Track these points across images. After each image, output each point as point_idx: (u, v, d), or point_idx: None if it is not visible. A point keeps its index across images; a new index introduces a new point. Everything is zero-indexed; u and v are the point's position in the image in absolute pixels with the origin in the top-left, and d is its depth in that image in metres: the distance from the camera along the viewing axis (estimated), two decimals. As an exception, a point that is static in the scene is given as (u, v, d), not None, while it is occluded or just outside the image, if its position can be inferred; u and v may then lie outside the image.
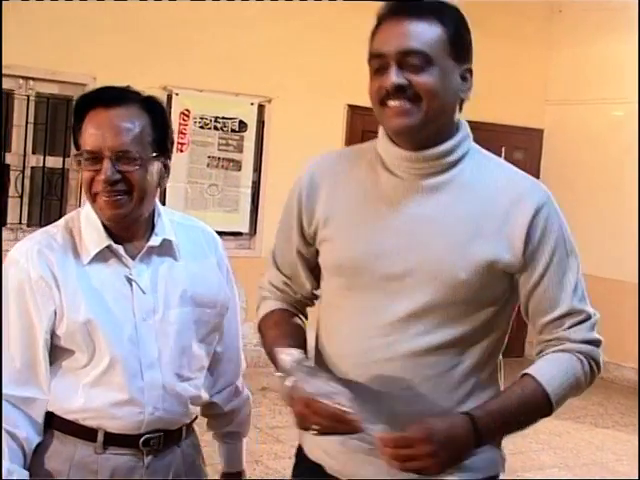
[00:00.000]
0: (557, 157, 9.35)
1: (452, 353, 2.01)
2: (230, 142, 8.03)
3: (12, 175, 7.30)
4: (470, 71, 2.04)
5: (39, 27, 7.17)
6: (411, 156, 2.03)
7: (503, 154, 9.36)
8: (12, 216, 7.31)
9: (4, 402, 2.11)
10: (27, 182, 7.37)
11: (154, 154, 2.15)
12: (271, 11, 8.05)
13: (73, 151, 2.19)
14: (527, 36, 9.44)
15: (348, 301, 2.07)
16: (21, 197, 7.32)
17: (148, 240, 2.20)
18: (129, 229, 2.19)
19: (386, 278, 2.00)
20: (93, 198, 2.14)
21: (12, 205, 7.32)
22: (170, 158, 2.24)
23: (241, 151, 8.10)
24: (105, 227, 2.17)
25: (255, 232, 8.27)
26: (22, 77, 7.25)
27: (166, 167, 2.21)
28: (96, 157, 2.12)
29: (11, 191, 7.30)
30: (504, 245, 1.99)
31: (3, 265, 2.17)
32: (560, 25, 9.45)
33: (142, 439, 2.17)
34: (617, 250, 8.52)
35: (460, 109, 2.07)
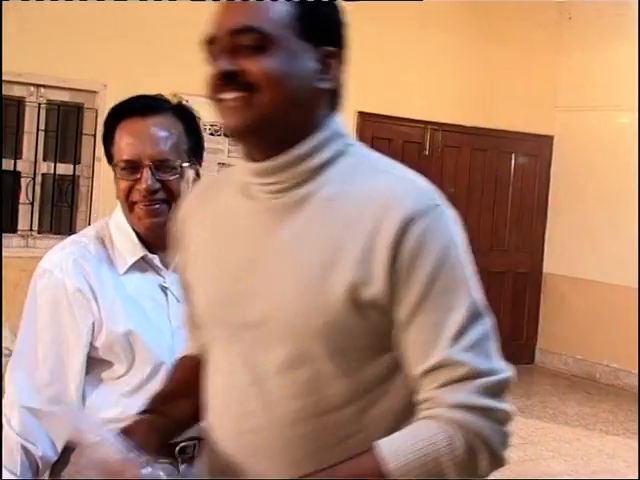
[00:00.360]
0: (568, 164, 9.34)
1: (345, 416, 1.55)
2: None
3: (23, 182, 7.32)
4: (333, 54, 1.66)
5: (49, 34, 7.20)
6: (258, 168, 1.62)
7: (513, 161, 9.37)
8: (23, 223, 7.33)
9: (26, 414, 2.11)
10: (38, 189, 7.38)
11: (189, 162, 2.16)
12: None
13: (101, 159, 2.18)
14: (536, 42, 9.43)
15: (212, 356, 1.69)
16: (32, 204, 7.34)
17: None
18: (162, 238, 2.17)
19: (245, 328, 1.59)
20: (131, 207, 2.13)
21: (23, 212, 7.33)
22: (201, 165, 2.24)
23: (251, 158, 8.10)
24: (138, 236, 2.17)
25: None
26: (33, 84, 7.28)
27: (198, 174, 2.22)
28: (134, 166, 2.10)
29: (22, 198, 7.32)
30: (366, 274, 1.50)
31: (33, 276, 2.16)
32: (570, 31, 9.44)
33: (178, 447, 2.13)
34: (629, 257, 8.48)
35: (333, 104, 1.70)
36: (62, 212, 7.51)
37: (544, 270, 9.58)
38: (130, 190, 2.11)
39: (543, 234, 9.65)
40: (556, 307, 9.27)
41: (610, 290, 8.50)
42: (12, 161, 7.26)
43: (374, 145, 8.33)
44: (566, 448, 6.55)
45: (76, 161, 7.52)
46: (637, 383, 8.48)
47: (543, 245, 9.63)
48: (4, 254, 7.06)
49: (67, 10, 7.19)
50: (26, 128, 7.34)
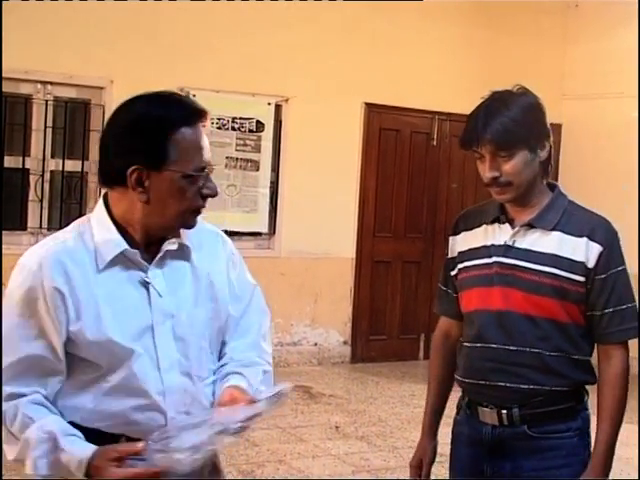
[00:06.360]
0: (576, 152, 9.31)
1: None
2: (248, 142, 8.04)
3: (32, 179, 7.34)
4: None
5: (56, 31, 7.20)
6: None
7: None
8: (32, 220, 7.35)
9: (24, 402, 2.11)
10: (47, 186, 7.41)
11: None
12: (287, 11, 8.06)
13: (174, 167, 2.11)
14: (543, 31, 9.41)
15: None
16: (41, 201, 7.36)
17: (161, 244, 2.21)
18: (150, 234, 2.19)
19: None
20: (197, 212, 2.18)
21: (32, 209, 7.36)
22: None
23: (259, 151, 8.11)
24: (120, 232, 2.17)
25: (274, 232, 8.27)
26: (40, 82, 7.29)
27: None
28: (201, 171, 2.14)
29: (31, 195, 7.34)
30: None
31: (13, 271, 2.15)
32: (576, 20, 9.42)
33: None
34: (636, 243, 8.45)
35: None
36: (71, 209, 7.52)
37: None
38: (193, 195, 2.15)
39: (552, 223, 9.61)
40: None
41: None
42: (20, 158, 7.28)
43: (382, 136, 8.29)
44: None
45: (84, 157, 7.53)
46: (637, 372, 8.46)
47: (552, 234, 9.60)
48: (14, 252, 7.08)
49: (73, 7, 7.20)
50: (34, 125, 7.35)
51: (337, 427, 6.59)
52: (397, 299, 9.10)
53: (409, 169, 8.99)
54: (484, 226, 2.70)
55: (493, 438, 2.62)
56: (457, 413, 2.79)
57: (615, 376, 2.57)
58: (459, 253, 2.75)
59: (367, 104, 8.66)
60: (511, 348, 2.57)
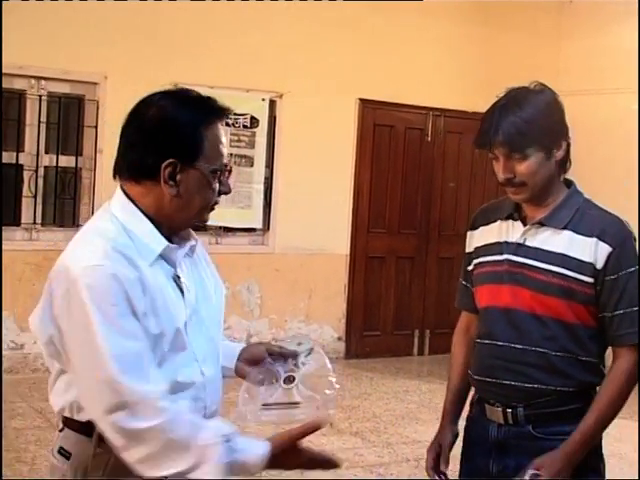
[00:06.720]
0: (570, 147, 9.31)
1: None
2: (242, 138, 8.04)
3: (26, 175, 7.32)
4: None
5: (50, 27, 7.19)
6: None
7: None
8: (26, 216, 7.33)
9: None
10: (40, 182, 7.39)
11: None
12: (281, 7, 8.05)
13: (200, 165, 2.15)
14: (538, 27, 9.42)
15: None
16: (35, 197, 7.34)
17: (170, 238, 2.22)
18: (171, 229, 2.22)
19: None
20: (210, 209, 2.24)
21: (26, 205, 7.34)
22: None
23: (253, 147, 8.10)
24: (157, 228, 2.18)
25: (268, 228, 8.26)
26: (34, 77, 7.28)
27: None
28: (225, 167, 2.21)
29: (25, 191, 7.32)
30: None
31: (67, 277, 2.02)
32: (571, 16, 9.42)
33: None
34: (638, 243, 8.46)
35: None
36: (65, 204, 7.51)
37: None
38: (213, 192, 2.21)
39: (546, 219, 9.63)
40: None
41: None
42: (14, 154, 7.27)
43: (376, 132, 8.31)
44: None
45: (78, 153, 7.52)
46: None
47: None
48: (7, 247, 7.08)
49: (67, 4, 7.18)
50: (28, 121, 7.34)
51: (331, 423, 6.60)
52: (391, 295, 9.11)
53: (403, 165, 8.99)
54: (499, 222, 2.69)
55: (499, 437, 2.62)
56: (470, 411, 2.79)
57: (616, 375, 2.53)
58: (475, 248, 2.75)
59: (361, 100, 8.66)
60: (517, 346, 2.56)
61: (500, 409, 2.62)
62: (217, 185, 2.20)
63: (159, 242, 2.16)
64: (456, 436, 2.81)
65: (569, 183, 2.69)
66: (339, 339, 8.79)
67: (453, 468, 2.82)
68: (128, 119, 2.19)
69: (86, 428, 2.11)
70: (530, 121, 2.51)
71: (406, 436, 6.38)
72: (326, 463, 2.12)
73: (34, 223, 7.34)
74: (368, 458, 5.87)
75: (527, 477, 2.45)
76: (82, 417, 2.12)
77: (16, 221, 7.29)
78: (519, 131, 2.50)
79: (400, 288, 9.16)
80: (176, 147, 2.12)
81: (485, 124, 2.57)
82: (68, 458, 2.15)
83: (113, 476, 2.11)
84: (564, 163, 2.63)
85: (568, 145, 2.62)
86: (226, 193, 2.24)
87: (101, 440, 2.08)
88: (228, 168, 2.22)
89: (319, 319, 8.63)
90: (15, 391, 6.69)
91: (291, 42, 8.18)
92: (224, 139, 2.21)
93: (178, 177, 2.13)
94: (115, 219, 2.16)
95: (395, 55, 8.70)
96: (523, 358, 2.56)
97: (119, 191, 2.19)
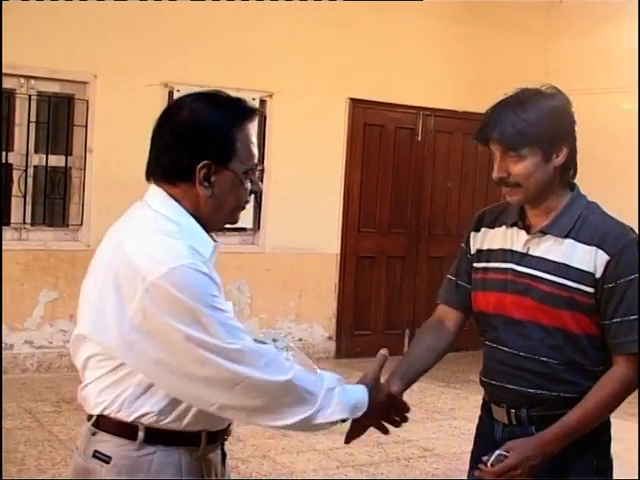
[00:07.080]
0: (575, 155, 9.32)
1: None
2: (232, 138, 8.02)
3: (15, 174, 7.30)
4: None
5: (39, 26, 7.17)
6: None
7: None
8: (16, 215, 7.31)
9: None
10: (30, 181, 7.37)
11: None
12: (271, 7, 8.05)
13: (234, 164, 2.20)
14: (528, 27, 9.43)
15: None
16: (24, 196, 7.32)
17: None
18: (212, 231, 2.26)
19: None
20: (240, 209, 2.28)
21: (15, 204, 7.32)
22: None
23: (243, 146, 8.08)
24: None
25: (259, 227, 8.26)
26: (23, 76, 7.26)
27: None
28: (256, 167, 2.26)
29: (14, 190, 7.30)
30: None
31: (152, 280, 2.05)
32: (561, 16, 9.44)
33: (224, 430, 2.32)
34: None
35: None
36: (55, 204, 7.49)
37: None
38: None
39: (536, 218, 9.64)
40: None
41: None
42: (4, 153, 7.24)
43: (366, 131, 8.31)
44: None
45: (68, 153, 7.50)
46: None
47: (537, 229, 9.62)
48: (-3, 247, 7.05)
49: (56, 3, 7.16)
50: (17, 120, 7.32)
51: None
52: (382, 294, 9.11)
53: (393, 165, 8.99)
54: (504, 227, 2.68)
55: (504, 436, 2.62)
56: (481, 412, 2.81)
57: (609, 381, 2.50)
58: (477, 251, 2.74)
59: (352, 99, 8.66)
60: (521, 354, 2.57)
61: (505, 410, 2.64)
62: (249, 184, 2.24)
63: (209, 242, 2.22)
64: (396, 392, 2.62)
65: (572, 186, 2.67)
66: (329, 338, 8.79)
67: (464, 466, 2.86)
68: (160, 122, 2.22)
69: (126, 430, 2.14)
70: (529, 121, 2.50)
71: (396, 435, 6.38)
72: (402, 405, 2.55)
73: (24, 223, 7.32)
74: (359, 457, 5.87)
75: (493, 457, 2.46)
76: (128, 415, 2.14)
77: (6, 221, 7.26)
78: (516, 129, 2.49)
79: (390, 287, 9.17)
80: (210, 149, 2.17)
81: (485, 119, 2.56)
82: (108, 462, 2.16)
83: (157, 475, 2.15)
84: (567, 170, 2.61)
85: (572, 152, 2.60)
86: (257, 192, 2.30)
87: (145, 441, 2.13)
88: (260, 168, 2.26)
89: (309, 318, 8.63)
90: (4, 391, 6.67)
91: (281, 42, 8.17)
92: (254, 139, 2.26)
93: (213, 178, 2.17)
94: (166, 219, 2.17)
95: (385, 55, 8.70)
96: (527, 366, 2.56)
97: (159, 192, 2.20)
